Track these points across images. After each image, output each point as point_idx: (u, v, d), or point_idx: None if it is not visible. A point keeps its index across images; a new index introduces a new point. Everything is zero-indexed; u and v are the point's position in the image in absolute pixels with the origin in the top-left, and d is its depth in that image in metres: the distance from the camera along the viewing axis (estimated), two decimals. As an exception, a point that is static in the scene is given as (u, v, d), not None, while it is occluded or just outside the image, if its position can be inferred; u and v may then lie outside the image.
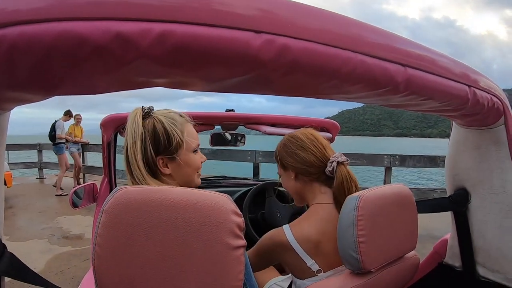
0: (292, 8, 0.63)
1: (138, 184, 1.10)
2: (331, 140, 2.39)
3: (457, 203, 1.45)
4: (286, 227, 1.28)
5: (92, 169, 9.68)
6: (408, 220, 1.28)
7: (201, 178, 1.30)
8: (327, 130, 2.41)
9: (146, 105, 1.20)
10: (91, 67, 0.53)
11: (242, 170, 9.43)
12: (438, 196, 5.97)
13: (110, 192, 0.87)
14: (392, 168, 6.85)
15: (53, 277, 3.86)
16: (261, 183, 2.38)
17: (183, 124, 1.21)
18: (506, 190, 1.27)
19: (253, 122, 2.37)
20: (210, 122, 2.32)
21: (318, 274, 1.23)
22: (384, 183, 6.29)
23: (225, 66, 0.60)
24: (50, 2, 0.48)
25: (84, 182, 8.73)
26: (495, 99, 1.10)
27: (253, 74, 0.63)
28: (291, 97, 0.83)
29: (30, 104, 0.69)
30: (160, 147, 1.16)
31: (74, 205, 2.20)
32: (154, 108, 1.21)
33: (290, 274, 1.37)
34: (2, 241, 0.87)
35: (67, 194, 4.06)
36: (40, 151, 10.87)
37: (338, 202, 1.24)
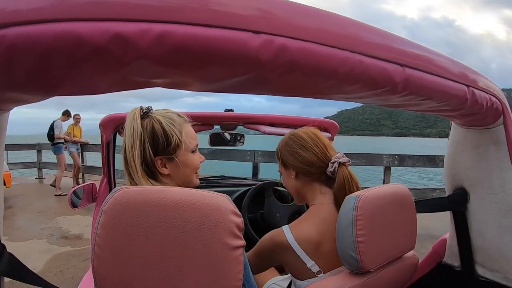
0: (290, 8, 0.63)
1: (137, 185, 1.10)
2: (330, 140, 2.39)
3: (456, 202, 1.45)
4: (286, 228, 1.27)
5: (91, 169, 9.66)
6: (407, 220, 1.28)
7: (200, 178, 1.30)
8: (326, 130, 2.40)
9: (146, 104, 1.20)
10: (91, 67, 0.53)
11: (241, 169, 9.43)
12: (438, 196, 5.97)
13: (109, 192, 0.87)
14: (392, 167, 6.86)
15: (52, 277, 3.86)
16: (260, 183, 2.38)
17: (181, 125, 1.21)
18: (505, 189, 1.27)
19: (252, 122, 2.37)
20: (209, 122, 2.32)
21: (318, 275, 1.22)
22: (384, 183, 6.30)
23: (224, 67, 0.60)
24: (50, 3, 0.48)
25: (83, 182, 8.72)
26: (494, 99, 1.10)
27: (251, 74, 0.63)
28: (289, 97, 0.83)
29: (29, 104, 0.69)
30: (158, 148, 1.15)
31: (74, 205, 2.19)
32: (153, 108, 1.21)
33: (289, 274, 1.36)
34: (2, 242, 0.87)
35: (66, 194, 4.08)
36: (39, 151, 10.86)
37: (339, 203, 1.22)
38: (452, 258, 1.57)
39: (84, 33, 0.48)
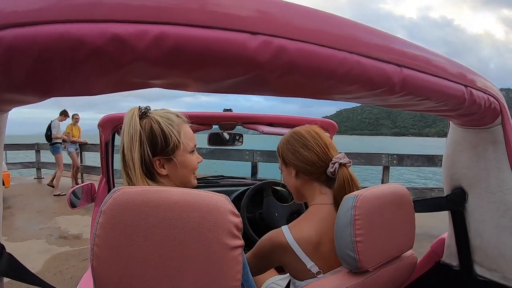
0: (288, 9, 0.63)
1: (134, 185, 1.10)
2: (329, 139, 2.39)
3: (454, 202, 1.45)
4: (285, 228, 1.27)
5: (90, 169, 9.65)
6: (405, 220, 1.28)
7: (199, 178, 1.30)
8: (324, 130, 2.40)
9: (145, 104, 1.20)
10: (88, 69, 0.53)
11: (240, 169, 9.43)
12: (436, 195, 5.98)
13: (108, 192, 0.87)
14: (390, 167, 6.86)
15: (51, 277, 3.86)
16: (259, 182, 2.38)
17: (180, 125, 1.20)
18: (503, 189, 1.28)
19: (250, 121, 2.38)
20: (208, 122, 2.32)
21: (318, 276, 1.22)
22: (382, 183, 6.31)
23: (222, 68, 0.60)
24: (47, 5, 0.48)
25: (82, 182, 8.72)
26: (492, 99, 1.11)
27: (249, 75, 0.63)
28: (288, 97, 0.83)
29: (27, 104, 0.69)
30: (157, 148, 1.15)
31: (72, 205, 2.19)
32: (151, 108, 1.21)
33: (288, 274, 1.36)
34: (1, 242, 0.87)
35: (65, 194, 4.08)
36: (38, 151, 10.85)
37: (338, 204, 1.21)
38: (450, 257, 1.57)
39: (82, 35, 0.48)
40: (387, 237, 1.20)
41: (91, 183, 2.40)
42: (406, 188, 1.31)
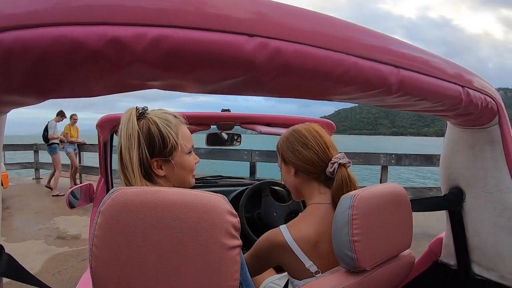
0: (284, 11, 0.63)
1: (132, 186, 1.10)
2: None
3: (452, 202, 1.46)
4: (283, 228, 1.27)
5: (88, 169, 9.64)
6: (402, 219, 1.28)
7: (197, 178, 1.30)
8: (322, 129, 2.40)
9: (144, 104, 1.19)
10: (87, 71, 0.54)
11: (238, 169, 9.43)
12: (434, 195, 5.98)
13: (106, 193, 0.87)
14: (389, 167, 6.87)
15: (50, 278, 3.86)
16: (257, 182, 2.38)
17: (177, 126, 1.20)
18: (500, 189, 1.28)
19: (248, 122, 2.38)
20: (206, 122, 2.32)
21: (316, 275, 1.22)
22: (381, 182, 6.32)
23: (219, 70, 0.60)
24: (46, 7, 0.48)
25: (80, 183, 8.71)
26: (489, 99, 1.11)
27: (246, 77, 0.64)
28: (286, 98, 0.83)
29: (26, 106, 0.70)
30: (155, 150, 1.15)
31: (71, 206, 2.19)
32: (150, 108, 1.20)
33: (286, 273, 1.36)
34: (0, 242, 0.87)
35: (64, 195, 4.07)
36: (36, 152, 10.82)
37: (335, 204, 1.21)
38: (448, 257, 1.57)
39: (80, 37, 0.49)
40: (384, 236, 1.20)
41: (89, 184, 2.40)
42: (405, 187, 1.31)
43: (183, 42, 0.54)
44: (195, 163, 1.28)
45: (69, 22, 0.49)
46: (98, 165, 2.46)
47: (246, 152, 7.46)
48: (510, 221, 1.28)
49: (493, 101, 1.14)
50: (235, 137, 2.74)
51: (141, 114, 1.16)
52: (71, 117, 9.07)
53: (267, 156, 7.39)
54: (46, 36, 0.48)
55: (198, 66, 0.58)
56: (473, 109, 1.08)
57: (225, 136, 2.67)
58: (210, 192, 0.84)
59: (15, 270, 0.89)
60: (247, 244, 2.00)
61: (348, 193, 1.16)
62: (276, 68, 0.63)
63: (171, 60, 0.55)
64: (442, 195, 1.52)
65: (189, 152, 1.24)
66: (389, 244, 1.23)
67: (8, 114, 0.81)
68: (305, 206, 1.38)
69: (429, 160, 6.73)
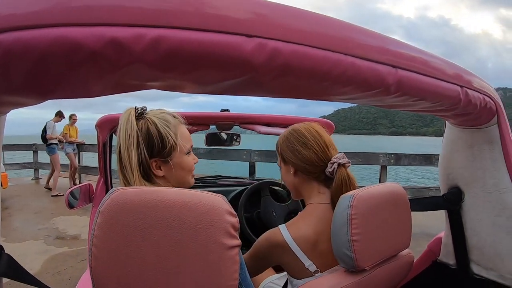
0: (283, 12, 0.63)
1: (131, 186, 1.10)
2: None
3: (451, 201, 1.46)
4: (282, 227, 1.27)
5: (87, 170, 9.64)
6: (401, 219, 1.28)
7: (197, 178, 1.30)
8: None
9: (143, 104, 1.19)
10: (86, 71, 0.54)
11: (238, 169, 9.43)
12: (434, 194, 5.99)
13: (106, 193, 0.87)
14: (388, 166, 6.87)
15: (49, 278, 3.86)
16: (257, 182, 2.38)
17: (176, 126, 1.20)
18: (499, 188, 1.28)
19: (247, 122, 2.38)
20: (205, 122, 2.32)
21: (316, 275, 1.22)
22: (380, 182, 6.32)
23: (218, 70, 0.61)
24: (45, 8, 0.49)
25: (80, 183, 8.71)
26: (487, 99, 1.11)
27: (245, 77, 0.64)
28: (285, 98, 0.83)
29: (26, 106, 0.70)
30: (154, 150, 1.14)
31: (70, 206, 2.19)
32: (148, 108, 1.20)
33: (285, 272, 1.36)
34: (0, 243, 0.87)
35: (63, 195, 4.07)
36: (35, 152, 10.81)
37: (334, 203, 1.21)
38: (447, 256, 1.58)
39: (80, 38, 0.49)
40: (383, 236, 1.20)
41: (89, 184, 2.40)
42: (404, 187, 1.31)
43: (182, 42, 0.54)
44: (194, 163, 1.28)
45: (69, 23, 0.49)
46: (97, 165, 2.46)
47: (245, 152, 7.47)
48: (509, 221, 1.28)
49: (491, 101, 1.14)
50: (235, 137, 2.75)
51: (140, 114, 1.16)
52: (70, 117, 9.06)
53: (267, 156, 7.40)
54: (46, 37, 0.48)
55: (197, 66, 0.58)
56: (472, 109, 1.08)
57: (224, 136, 2.67)
58: (209, 192, 0.84)
59: (15, 270, 0.90)
60: (246, 244, 2.00)
61: (347, 193, 1.16)
62: (275, 68, 0.63)
63: (170, 60, 0.55)
64: (441, 194, 1.52)
65: (188, 153, 1.24)
66: (388, 243, 1.23)
67: (7, 114, 0.81)
68: (304, 206, 1.38)
69: (428, 160, 6.73)
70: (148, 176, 1.15)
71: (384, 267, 1.23)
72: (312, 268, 1.22)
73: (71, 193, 2.22)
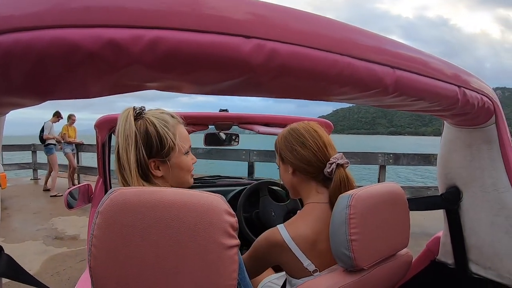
0: (281, 12, 0.63)
1: (129, 186, 1.10)
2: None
3: (449, 201, 1.46)
4: (281, 227, 1.27)
5: (86, 170, 9.63)
6: (400, 218, 1.29)
7: (195, 178, 1.30)
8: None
9: (142, 104, 1.19)
10: (84, 73, 0.54)
11: (236, 169, 9.43)
12: (432, 194, 6.00)
13: (105, 193, 0.87)
14: (387, 166, 6.88)
15: (48, 279, 3.86)
16: (256, 182, 2.39)
17: (175, 126, 1.20)
18: (497, 188, 1.29)
19: (246, 122, 2.38)
20: (204, 122, 2.32)
21: (314, 274, 1.22)
22: (379, 182, 6.33)
23: (216, 71, 0.61)
24: (44, 10, 0.49)
25: (78, 183, 8.70)
26: (485, 99, 1.12)
27: (243, 78, 0.64)
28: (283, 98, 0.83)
29: (24, 107, 0.70)
30: (152, 151, 1.14)
31: (69, 206, 2.19)
32: (146, 108, 1.20)
33: (284, 272, 1.36)
34: None
35: (62, 195, 4.08)
36: (34, 152, 10.81)
37: (333, 204, 1.21)
38: (445, 255, 1.58)
39: (78, 40, 0.49)
40: (382, 235, 1.20)
41: (88, 184, 2.41)
42: (402, 186, 1.31)
43: (180, 44, 0.54)
44: (193, 163, 1.27)
45: (67, 25, 0.49)
46: (96, 166, 2.46)
47: (244, 152, 7.48)
48: (507, 220, 1.28)
49: (489, 101, 1.14)
50: (233, 137, 2.75)
51: (139, 114, 1.15)
52: (69, 117, 9.05)
53: (265, 156, 7.40)
54: (44, 38, 0.48)
55: (196, 67, 0.58)
56: (470, 109, 1.08)
57: (223, 136, 2.68)
58: (208, 192, 0.84)
59: (15, 271, 0.90)
60: (245, 244, 2.00)
61: (346, 192, 1.16)
62: (273, 69, 0.63)
63: (168, 62, 0.55)
64: (440, 194, 1.53)
65: (187, 153, 1.24)
66: (387, 243, 1.24)
67: (6, 115, 0.81)
68: (303, 205, 1.38)
69: (427, 159, 6.73)
70: (146, 176, 1.15)
71: (382, 267, 1.23)
72: (311, 267, 1.22)
73: (70, 193, 2.22)
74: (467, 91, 1.02)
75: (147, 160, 1.14)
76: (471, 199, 1.40)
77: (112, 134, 2.20)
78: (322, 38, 0.68)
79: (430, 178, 16.61)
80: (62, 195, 4.64)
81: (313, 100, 0.87)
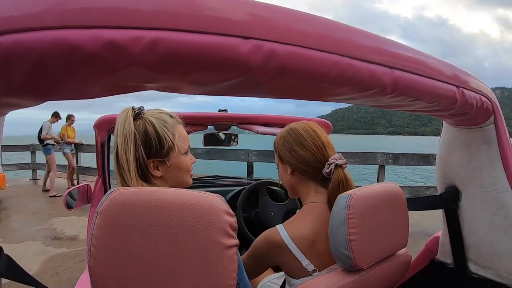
0: (279, 13, 0.64)
1: (128, 186, 1.10)
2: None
3: (448, 201, 1.46)
4: (280, 227, 1.26)
5: (85, 170, 9.63)
6: (399, 218, 1.29)
7: (194, 178, 1.29)
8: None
9: (141, 104, 1.18)
10: (84, 74, 0.54)
11: (236, 169, 9.43)
12: (432, 194, 6.00)
13: (104, 193, 0.88)
14: (386, 166, 6.88)
15: (48, 279, 3.86)
16: (255, 182, 2.38)
17: (174, 126, 1.20)
18: (496, 188, 1.29)
19: (245, 122, 2.38)
20: (203, 123, 2.32)
21: (313, 274, 1.22)
22: (378, 181, 6.33)
23: (215, 72, 0.61)
24: (44, 11, 0.49)
25: (78, 183, 8.69)
26: (484, 99, 1.12)
27: (242, 79, 0.64)
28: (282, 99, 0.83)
29: (24, 108, 0.70)
30: (151, 151, 1.14)
31: (69, 206, 2.19)
32: (146, 108, 1.19)
33: (283, 272, 1.36)
34: None
35: (61, 195, 4.08)
36: (33, 152, 10.80)
37: (331, 204, 1.22)
38: (444, 255, 1.58)
39: (78, 41, 0.49)
40: (381, 235, 1.21)
41: (87, 184, 2.40)
42: (401, 186, 1.31)
43: (180, 44, 0.54)
44: (192, 163, 1.27)
45: (67, 25, 0.49)
46: (95, 166, 2.46)
47: (243, 152, 7.48)
48: (506, 220, 1.29)
49: (488, 101, 1.14)
50: (232, 137, 2.75)
51: (138, 114, 1.15)
52: (68, 117, 9.03)
53: (265, 156, 7.40)
54: (44, 39, 0.48)
55: (195, 68, 0.59)
56: (468, 109, 1.09)
57: (222, 136, 2.68)
58: (207, 192, 0.84)
59: (14, 271, 0.90)
60: (244, 244, 2.00)
61: (345, 192, 1.16)
62: (271, 70, 0.63)
63: (167, 62, 0.56)
64: (438, 194, 1.53)
65: (186, 153, 1.24)
66: (386, 243, 1.24)
67: (6, 115, 0.81)
68: (302, 205, 1.38)
69: (426, 159, 6.74)
70: (145, 177, 1.15)
71: (381, 266, 1.23)
72: (310, 267, 1.22)
73: (69, 193, 2.22)
74: (465, 91, 1.02)
75: (146, 160, 1.13)
76: (470, 199, 1.40)
77: (111, 134, 2.20)
78: (321, 38, 0.68)
79: (429, 178, 16.62)
80: (61, 196, 4.63)
81: (312, 100, 0.87)
